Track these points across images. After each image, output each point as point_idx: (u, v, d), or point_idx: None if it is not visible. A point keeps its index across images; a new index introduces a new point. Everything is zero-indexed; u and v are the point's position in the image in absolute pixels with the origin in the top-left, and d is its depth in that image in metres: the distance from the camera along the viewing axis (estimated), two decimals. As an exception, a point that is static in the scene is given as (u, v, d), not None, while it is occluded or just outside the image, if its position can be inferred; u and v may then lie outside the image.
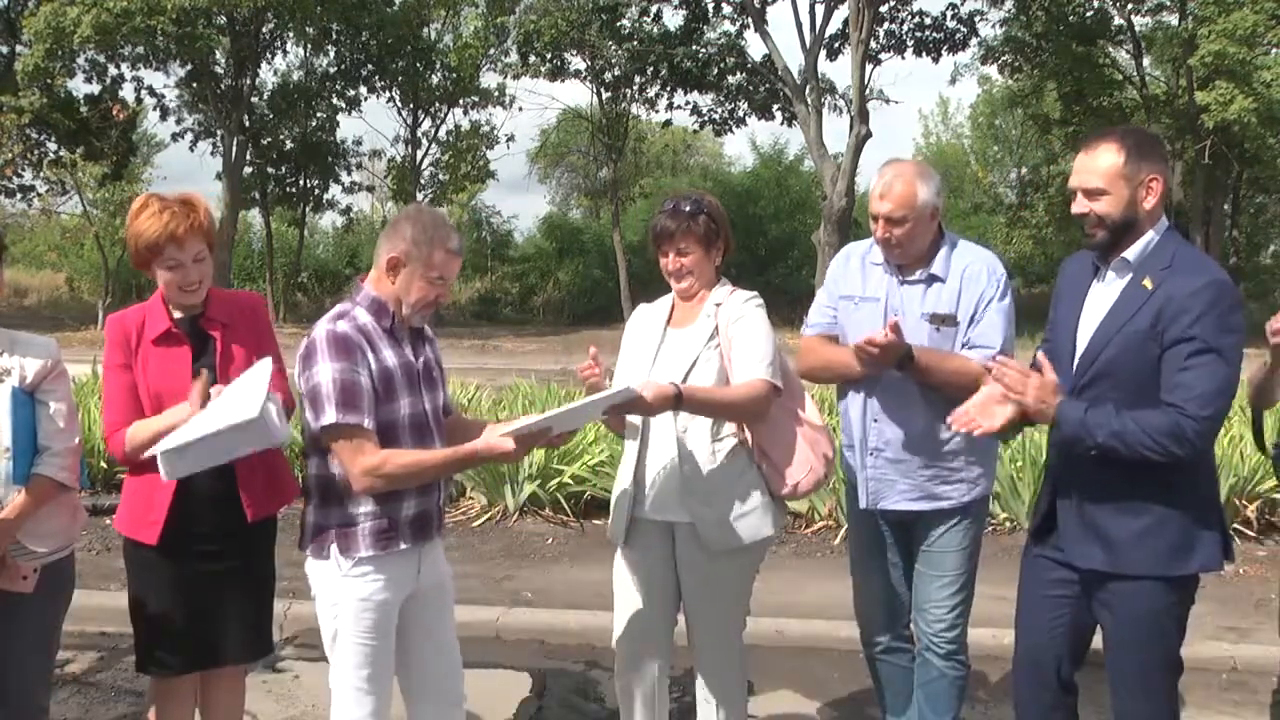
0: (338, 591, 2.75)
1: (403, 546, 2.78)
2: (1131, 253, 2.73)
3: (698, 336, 3.12)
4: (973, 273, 3.23)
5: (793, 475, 3.14)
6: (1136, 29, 24.83)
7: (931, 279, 3.25)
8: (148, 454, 2.78)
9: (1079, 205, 2.76)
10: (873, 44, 23.46)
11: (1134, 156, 2.68)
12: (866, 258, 3.40)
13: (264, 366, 2.81)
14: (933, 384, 3.15)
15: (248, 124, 25.88)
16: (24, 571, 2.80)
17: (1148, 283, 2.67)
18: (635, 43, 24.96)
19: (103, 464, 6.96)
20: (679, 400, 2.90)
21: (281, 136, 27.46)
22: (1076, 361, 2.78)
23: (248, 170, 26.64)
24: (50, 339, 3.03)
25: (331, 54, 26.79)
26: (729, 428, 3.11)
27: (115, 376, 2.96)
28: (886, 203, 3.19)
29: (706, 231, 3.10)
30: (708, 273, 3.15)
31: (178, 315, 2.99)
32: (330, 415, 2.61)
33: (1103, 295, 2.79)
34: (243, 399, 2.71)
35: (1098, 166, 2.70)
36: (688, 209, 3.10)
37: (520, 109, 49.37)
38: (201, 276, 2.95)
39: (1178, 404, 2.57)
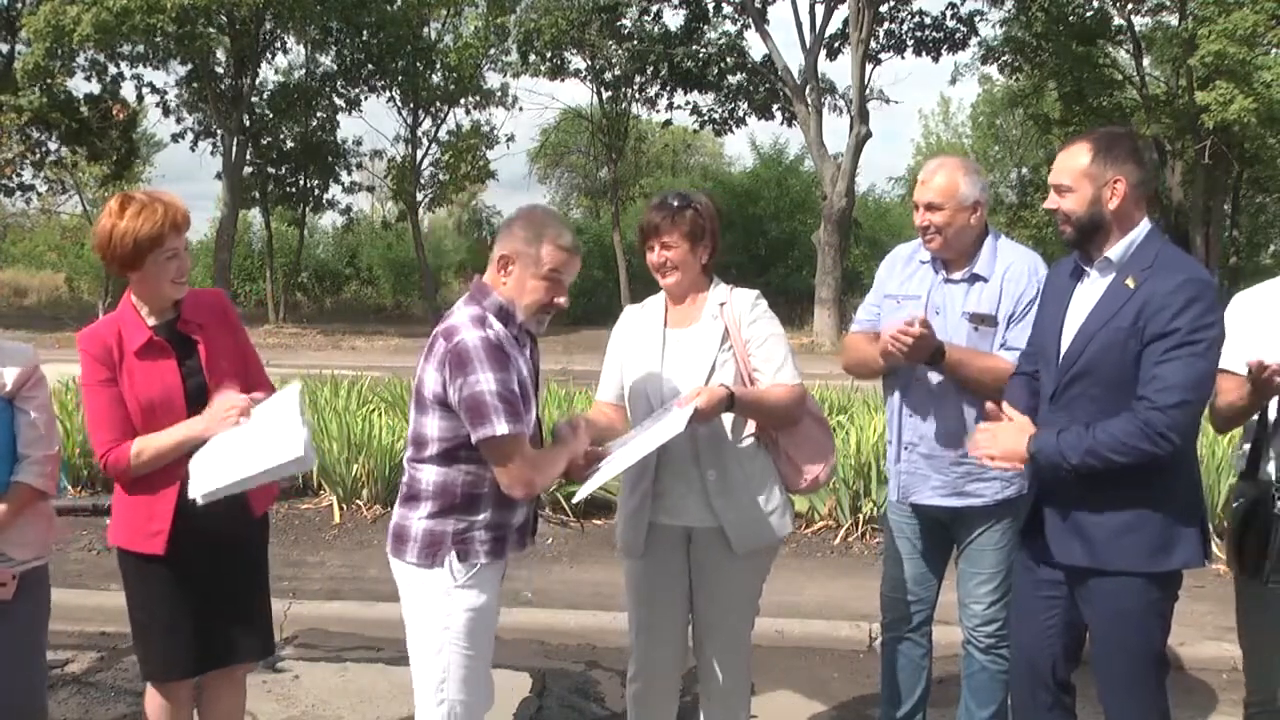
0: (449, 603, 2.72)
1: (510, 554, 2.82)
2: (1114, 252, 2.77)
3: (707, 339, 3.09)
4: (1014, 273, 3.26)
5: (810, 470, 3.16)
6: (1136, 29, 24.84)
7: (974, 278, 3.29)
8: (202, 496, 2.71)
9: (1050, 201, 2.85)
10: (873, 44, 23.46)
11: (1100, 157, 2.74)
12: (914, 256, 3.45)
13: (293, 391, 2.83)
14: (963, 381, 3.18)
15: (248, 124, 25.88)
16: (3, 578, 2.81)
17: (1130, 282, 2.71)
18: (635, 42, 24.98)
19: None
20: (731, 403, 2.94)
21: (281, 136, 27.46)
22: (1060, 360, 2.80)
23: (248, 170, 26.63)
24: (28, 346, 3.00)
25: (332, 53, 26.78)
26: (749, 428, 3.11)
27: (100, 393, 2.87)
28: (927, 190, 3.26)
29: (693, 226, 3.07)
30: (693, 269, 3.11)
31: (152, 322, 2.93)
32: (502, 426, 2.59)
33: (1086, 295, 2.83)
34: (278, 431, 2.71)
35: (1067, 164, 2.79)
36: (675, 203, 3.09)
37: (520, 109, 49.38)
38: (189, 266, 2.95)
39: (1148, 397, 2.61)
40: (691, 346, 3.11)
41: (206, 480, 2.71)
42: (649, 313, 3.25)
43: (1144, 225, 2.78)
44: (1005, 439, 2.79)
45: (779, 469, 3.15)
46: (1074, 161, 2.77)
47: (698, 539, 3.12)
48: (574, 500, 2.94)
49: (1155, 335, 2.62)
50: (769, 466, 3.14)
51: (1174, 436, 2.60)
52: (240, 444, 2.76)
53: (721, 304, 3.12)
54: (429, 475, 2.73)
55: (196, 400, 2.90)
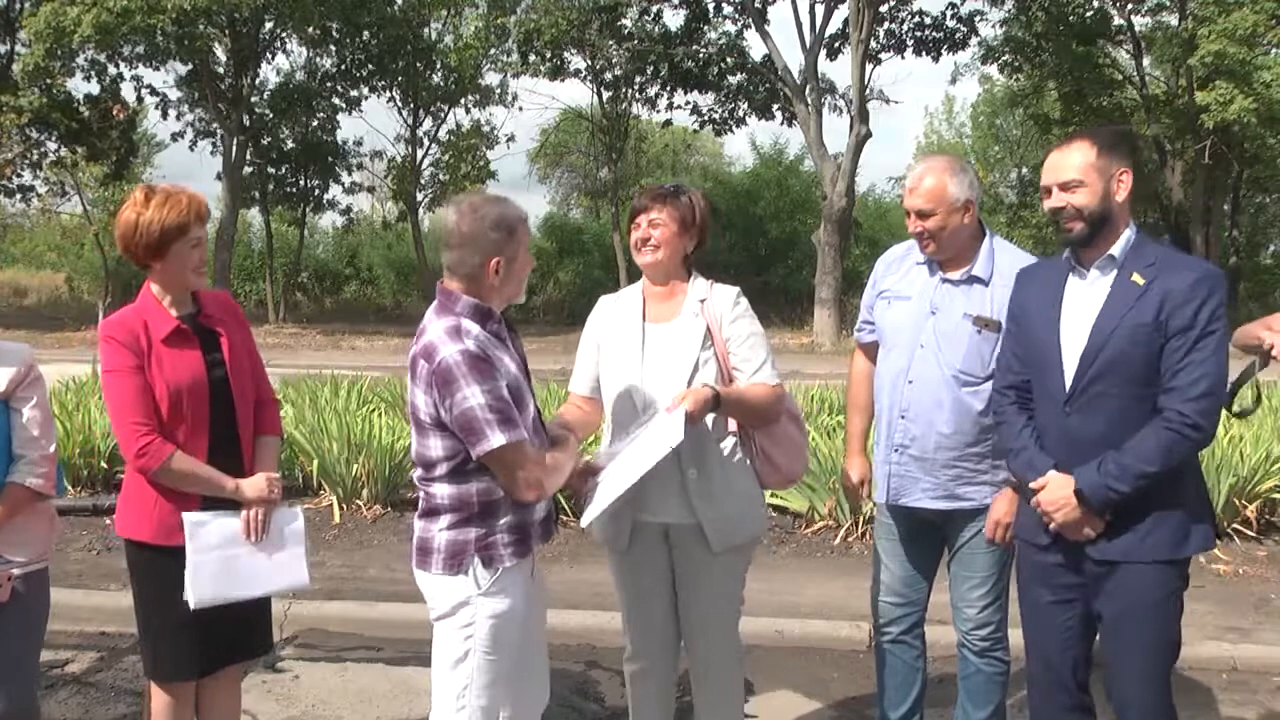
0: (472, 610, 2.70)
1: (534, 550, 2.82)
2: (1117, 249, 2.80)
3: (689, 337, 3.09)
4: (1010, 279, 3.22)
5: (787, 466, 3.19)
6: (1136, 29, 24.84)
7: (973, 279, 3.27)
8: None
9: (1055, 200, 2.84)
10: (873, 44, 23.45)
11: (1105, 151, 2.78)
12: (908, 256, 3.44)
13: (297, 526, 3.09)
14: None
15: (248, 124, 25.87)
16: None
17: (1138, 279, 2.74)
18: (635, 42, 24.97)
19: (103, 464, 6.95)
20: (717, 403, 2.94)
21: (281, 136, 27.47)
22: (1078, 360, 2.79)
23: (248, 170, 26.64)
24: (24, 345, 2.99)
25: (332, 53, 26.77)
26: (730, 426, 3.11)
27: (129, 379, 2.86)
28: (916, 197, 3.25)
29: (684, 213, 3.09)
30: (677, 254, 3.11)
31: (175, 313, 2.97)
32: (498, 438, 2.57)
33: (1089, 294, 2.82)
34: (285, 558, 3.06)
35: (1072, 161, 2.80)
36: (670, 188, 3.14)
37: (520, 109, 49.42)
38: (206, 258, 3.03)
39: (1179, 388, 2.67)
40: (673, 344, 3.10)
41: (200, 586, 2.92)
42: (625, 305, 3.23)
43: (1131, 223, 2.83)
44: (1053, 491, 2.81)
45: (755, 467, 3.16)
46: (1080, 158, 2.78)
47: (675, 536, 3.13)
48: (583, 523, 2.95)
49: (1180, 329, 2.67)
50: (746, 464, 3.15)
51: (1206, 425, 2.68)
52: (245, 561, 2.98)
53: (702, 300, 3.11)
54: (443, 491, 2.72)
55: (219, 393, 2.96)
